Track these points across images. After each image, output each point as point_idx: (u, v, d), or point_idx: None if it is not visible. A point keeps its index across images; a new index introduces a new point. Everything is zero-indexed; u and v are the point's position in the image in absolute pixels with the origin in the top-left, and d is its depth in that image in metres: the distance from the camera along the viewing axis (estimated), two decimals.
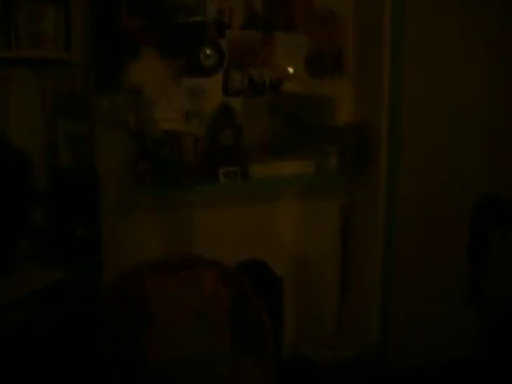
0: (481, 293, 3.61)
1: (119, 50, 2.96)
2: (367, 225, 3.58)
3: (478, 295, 3.61)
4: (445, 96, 3.42)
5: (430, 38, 3.35)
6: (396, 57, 3.34)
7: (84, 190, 2.97)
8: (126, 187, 3.04)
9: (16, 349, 2.42)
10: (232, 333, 2.87)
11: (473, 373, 3.52)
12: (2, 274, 2.60)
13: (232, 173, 3.14)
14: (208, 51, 3.13)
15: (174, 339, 2.80)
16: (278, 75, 3.35)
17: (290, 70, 3.38)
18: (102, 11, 2.91)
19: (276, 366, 2.82)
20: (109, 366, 2.69)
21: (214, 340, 2.84)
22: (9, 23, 2.52)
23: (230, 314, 2.89)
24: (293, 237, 3.55)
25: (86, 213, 2.97)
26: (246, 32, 3.23)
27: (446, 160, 3.50)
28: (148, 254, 3.01)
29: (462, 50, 3.39)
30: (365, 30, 3.48)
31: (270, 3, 3.27)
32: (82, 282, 2.77)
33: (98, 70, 2.95)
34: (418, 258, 3.54)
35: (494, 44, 3.42)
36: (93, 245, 2.98)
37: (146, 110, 3.03)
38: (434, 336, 3.58)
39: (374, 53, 3.41)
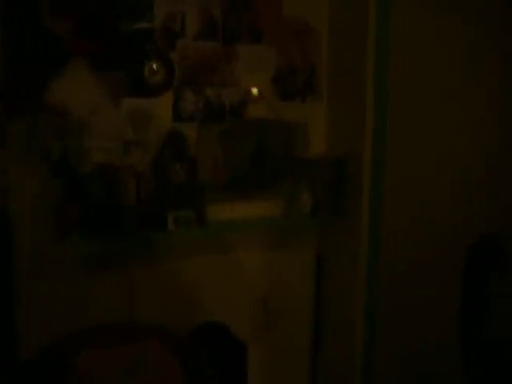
0: (477, 344, 3.03)
1: (40, 60, 2.29)
2: (345, 275, 2.99)
3: (474, 347, 3.04)
4: (436, 123, 2.89)
5: (421, 53, 2.83)
6: (380, 76, 2.79)
7: None
8: (47, 237, 2.33)
9: None
10: None
11: None
12: None
13: (184, 217, 2.51)
14: (154, 65, 2.49)
15: None
16: (239, 96, 2.75)
17: (255, 90, 2.77)
18: (18, 8, 2.23)
19: None
20: None
21: None
22: None
23: None
24: (258, 293, 2.92)
25: None
26: (202, 43, 2.62)
27: (438, 196, 2.94)
28: (79, 322, 2.31)
29: (460, 71, 2.88)
30: (342, 44, 2.93)
31: (232, 8, 2.66)
32: None
33: (12, 85, 2.26)
34: (404, 313, 3.02)
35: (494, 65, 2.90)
36: (4, 313, 2.29)
37: (73, 138, 2.36)
38: None
39: (354, 71, 2.85)
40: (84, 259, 2.48)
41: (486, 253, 3.06)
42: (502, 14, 3.01)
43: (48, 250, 2.38)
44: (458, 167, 3.04)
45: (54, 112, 2.34)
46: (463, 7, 2.90)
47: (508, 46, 3.05)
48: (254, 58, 2.77)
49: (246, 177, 2.79)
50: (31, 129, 2.33)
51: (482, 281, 3.04)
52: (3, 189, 2.36)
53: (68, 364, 2.22)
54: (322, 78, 3.00)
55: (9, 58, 2.26)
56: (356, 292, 2.95)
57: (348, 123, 2.95)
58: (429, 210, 3.01)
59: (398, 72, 2.84)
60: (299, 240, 3.03)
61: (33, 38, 2.30)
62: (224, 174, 2.75)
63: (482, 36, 2.97)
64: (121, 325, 2.43)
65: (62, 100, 2.35)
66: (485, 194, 3.10)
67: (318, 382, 3.17)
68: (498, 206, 3.13)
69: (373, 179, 2.90)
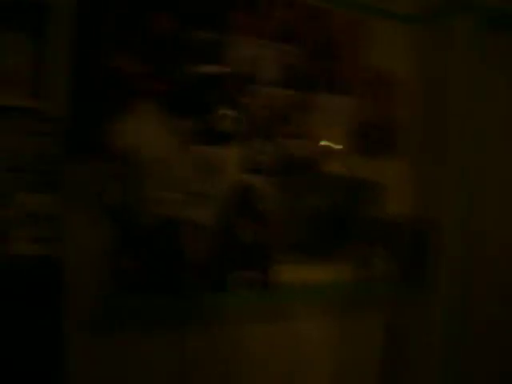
0: None
1: (106, 101, 2.12)
2: (420, 349, 2.64)
3: None
4: None
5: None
6: (466, 135, 2.52)
7: (42, 291, 2.06)
8: (100, 292, 2.11)
9: None
10: None
11: None
12: None
13: (250, 279, 2.24)
14: (226, 112, 2.28)
15: None
16: (314, 149, 2.50)
17: (331, 144, 2.53)
18: (87, 46, 2.08)
19: None
20: None
21: None
22: None
23: None
24: (323, 366, 2.60)
25: (43, 327, 2.04)
26: (277, 90, 2.40)
27: None
28: None
29: None
30: (428, 97, 2.66)
31: (313, 54, 2.46)
32: None
33: (75, 125, 2.09)
34: None
35: None
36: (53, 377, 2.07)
37: (136, 186, 2.15)
38: None
39: (439, 127, 2.58)
40: (135, 317, 2.24)
41: None
42: None
43: (101, 305, 2.14)
44: None
45: (117, 156, 2.14)
46: None
47: None
48: (332, 109, 2.55)
49: (316, 237, 2.53)
50: (91, 173, 2.14)
51: None
52: (56, 237, 2.17)
53: None
54: (403, 132, 2.74)
55: (74, 98, 2.09)
56: (432, 371, 2.62)
57: (431, 184, 2.68)
58: None
59: (490, 131, 2.58)
60: (369, 307, 2.73)
61: (99, 77, 2.13)
62: (293, 233, 2.50)
63: None
64: None
65: (125, 143, 2.15)
66: None
67: None
68: None
69: (454, 246, 2.60)
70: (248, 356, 2.42)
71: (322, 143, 2.55)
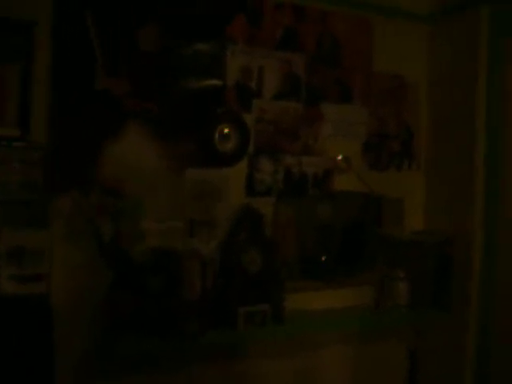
0: None
1: (93, 125, 1.90)
2: (448, 379, 2.41)
3: None
4: None
5: None
6: (492, 143, 2.28)
7: (31, 332, 1.85)
8: (94, 333, 1.89)
9: None
10: None
11: None
12: None
13: (259, 314, 2.02)
14: (226, 130, 2.07)
15: None
16: (324, 166, 2.28)
17: (342, 158, 2.30)
18: (72, 70, 1.86)
19: None
20: None
21: None
22: None
23: None
24: None
25: (32, 373, 1.81)
26: (282, 103, 2.18)
27: None
28: None
29: None
30: (445, 104, 2.43)
31: (317, 63, 2.23)
32: None
33: (61, 154, 1.87)
34: None
35: None
36: None
37: (128, 218, 1.94)
38: None
39: (460, 136, 2.35)
40: (137, 360, 2.01)
41: None
42: None
43: (95, 347, 1.92)
44: None
45: (106, 187, 1.92)
46: None
47: None
48: (341, 120, 2.33)
49: (331, 260, 2.31)
50: (79, 207, 1.92)
51: None
52: (44, 274, 1.95)
53: None
54: (421, 143, 2.51)
55: (56, 125, 1.87)
56: None
57: (452, 197, 2.45)
58: None
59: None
60: (392, 334, 2.50)
61: (85, 99, 1.91)
62: (306, 257, 2.28)
63: None
64: None
65: (115, 172, 1.93)
66: None
67: None
68: None
69: (484, 265, 2.37)
70: None
71: (333, 158, 2.32)
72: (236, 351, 2.16)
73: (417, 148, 2.51)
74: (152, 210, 1.99)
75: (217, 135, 2.10)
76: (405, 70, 2.47)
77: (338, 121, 2.32)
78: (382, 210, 2.43)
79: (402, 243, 2.43)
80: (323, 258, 2.31)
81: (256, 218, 2.12)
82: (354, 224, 2.36)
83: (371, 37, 2.39)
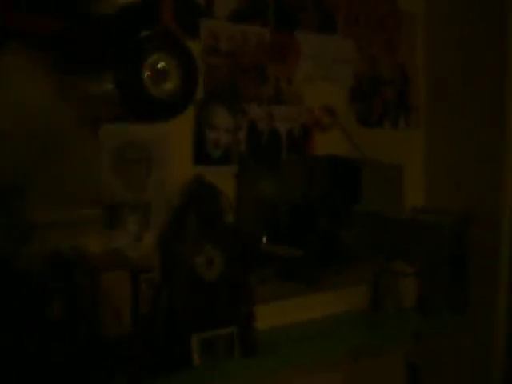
0: None
1: None
2: None
3: None
4: None
5: None
6: None
7: None
8: None
9: None
10: None
11: None
12: None
13: (222, 341, 1.31)
14: (161, 63, 1.33)
15: None
16: (301, 119, 1.58)
17: (325, 109, 1.62)
18: None
19: None
20: None
21: None
22: None
23: None
24: None
25: None
26: (242, 27, 1.46)
27: None
28: None
29: None
30: (451, 36, 1.81)
31: None
32: None
33: None
34: None
35: None
36: None
37: (9, 203, 1.17)
38: None
39: (474, 77, 1.75)
40: None
41: None
42: None
43: None
44: None
45: None
46: None
47: None
48: (322, 55, 1.64)
49: (307, 251, 1.63)
50: None
51: None
52: None
53: None
54: (419, 91, 1.87)
55: None
56: None
57: (466, 163, 1.82)
58: None
59: None
60: (389, 344, 1.89)
61: None
62: (277, 251, 1.59)
63: None
64: None
65: None
66: None
67: None
68: None
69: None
70: None
71: (312, 108, 1.63)
72: None
73: (415, 97, 1.86)
74: (46, 191, 1.22)
75: (147, 71, 1.35)
76: None
77: (319, 56, 1.64)
78: (373, 180, 1.78)
79: (402, 224, 1.79)
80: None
81: (211, 198, 1.39)
82: (332, 197, 1.69)
83: None
